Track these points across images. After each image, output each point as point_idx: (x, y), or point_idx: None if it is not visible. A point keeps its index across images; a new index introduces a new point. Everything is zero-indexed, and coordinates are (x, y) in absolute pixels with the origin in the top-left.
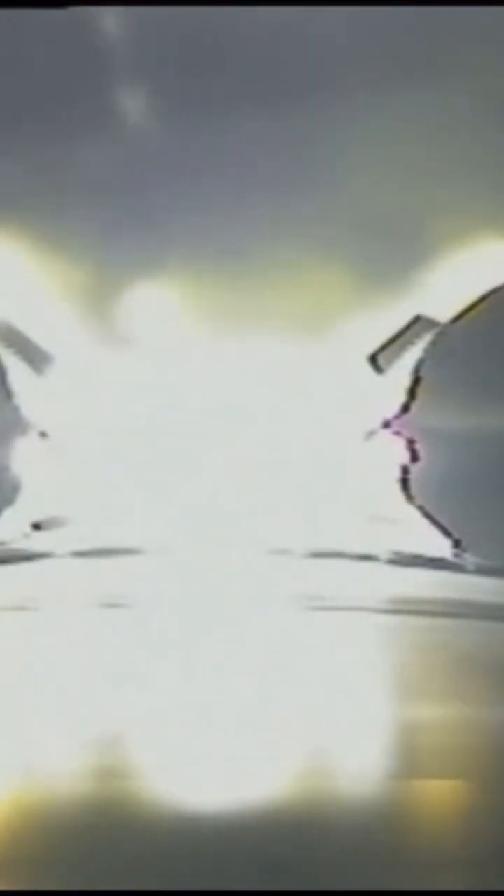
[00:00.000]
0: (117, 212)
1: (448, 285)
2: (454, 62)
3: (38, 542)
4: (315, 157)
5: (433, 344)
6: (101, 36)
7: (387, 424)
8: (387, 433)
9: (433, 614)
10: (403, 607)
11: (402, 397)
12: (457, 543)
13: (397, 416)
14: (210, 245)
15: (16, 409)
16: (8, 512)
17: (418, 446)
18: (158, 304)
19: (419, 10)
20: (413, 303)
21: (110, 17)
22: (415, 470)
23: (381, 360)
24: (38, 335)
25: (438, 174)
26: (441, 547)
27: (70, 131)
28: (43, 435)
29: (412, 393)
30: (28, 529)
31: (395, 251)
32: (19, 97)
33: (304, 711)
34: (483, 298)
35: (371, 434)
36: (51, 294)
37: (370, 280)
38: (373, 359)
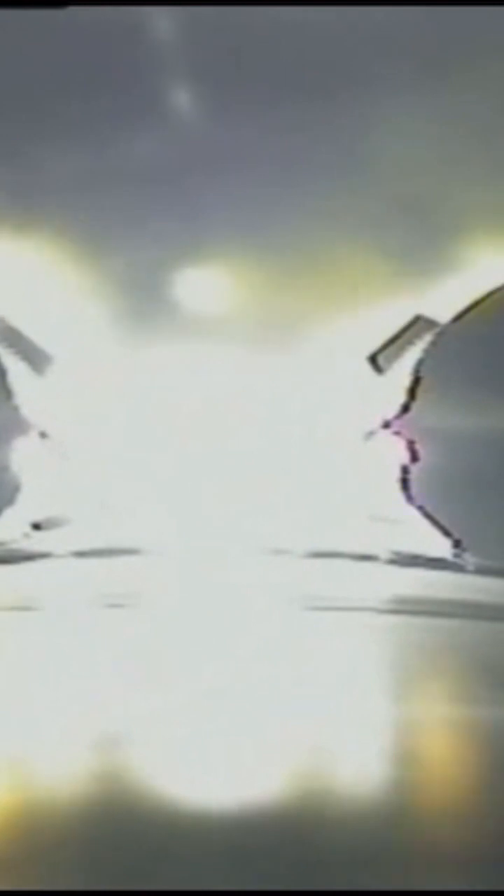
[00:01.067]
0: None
1: (451, 285)
2: (488, 55)
3: (38, 542)
4: (354, 148)
5: (433, 344)
6: (148, 31)
7: (387, 424)
8: (387, 433)
9: (433, 614)
10: (403, 607)
11: (402, 397)
12: (457, 543)
13: (397, 416)
14: (233, 241)
15: (16, 409)
16: (8, 512)
17: (418, 446)
18: (162, 302)
19: (451, 8)
20: (443, 293)
21: (161, 16)
22: (415, 470)
23: (381, 360)
24: (38, 335)
25: (474, 164)
26: (441, 547)
27: (110, 124)
28: (43, 435)
29: (412, 393)
30: (28, 529)
31: (430, 240)
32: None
33: (303, 711)
34: (483, 298)
35: (371, 434)
36: (59, 291)
37: (403, 269)
38: (373, 359)
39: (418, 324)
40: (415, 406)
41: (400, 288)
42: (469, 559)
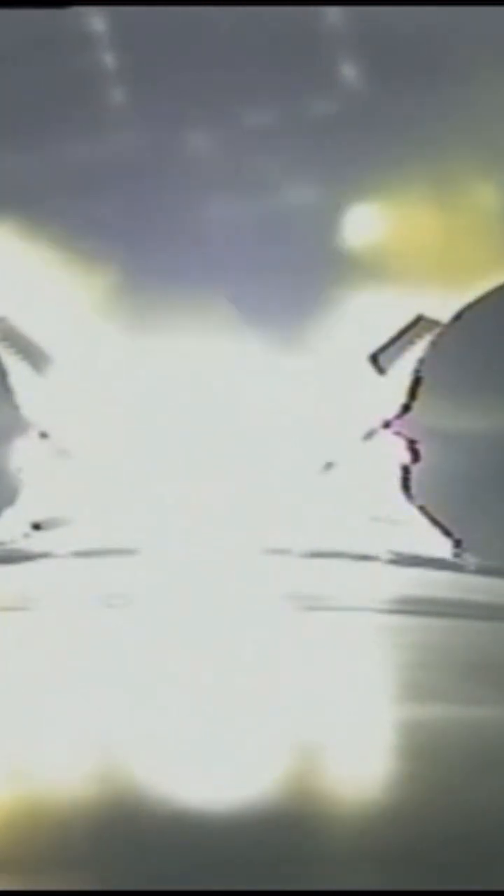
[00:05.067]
0: None
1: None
2: None
3: (38, 542)
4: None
5: (433, 344)
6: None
7: (387, 424)
8: (387, 433)
9: (433, 614)
10: (403, 607)
11: (402, 397)
12: (457, 543)
13: (398, 416)
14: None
15: (16, 409)
16: (8, 512)
17: (419, 446)
18: (164, 300)
19: None
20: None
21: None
22: (415, 470)
23: (381, 359)
24: (38, 335)
25: None
26: (441, 547)
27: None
28: (43, 435)
29: (412, 393)
30: (28, 529)
31: None
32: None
33: (303, 711)
34: (483, 298)
35: (371, 434)
36: (63, 292)
37: None
38: (374, 359)
39: (419, 324)
40: (415, 406)
41: None
42: (469, 559)
